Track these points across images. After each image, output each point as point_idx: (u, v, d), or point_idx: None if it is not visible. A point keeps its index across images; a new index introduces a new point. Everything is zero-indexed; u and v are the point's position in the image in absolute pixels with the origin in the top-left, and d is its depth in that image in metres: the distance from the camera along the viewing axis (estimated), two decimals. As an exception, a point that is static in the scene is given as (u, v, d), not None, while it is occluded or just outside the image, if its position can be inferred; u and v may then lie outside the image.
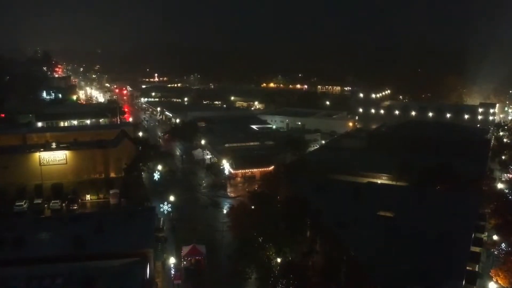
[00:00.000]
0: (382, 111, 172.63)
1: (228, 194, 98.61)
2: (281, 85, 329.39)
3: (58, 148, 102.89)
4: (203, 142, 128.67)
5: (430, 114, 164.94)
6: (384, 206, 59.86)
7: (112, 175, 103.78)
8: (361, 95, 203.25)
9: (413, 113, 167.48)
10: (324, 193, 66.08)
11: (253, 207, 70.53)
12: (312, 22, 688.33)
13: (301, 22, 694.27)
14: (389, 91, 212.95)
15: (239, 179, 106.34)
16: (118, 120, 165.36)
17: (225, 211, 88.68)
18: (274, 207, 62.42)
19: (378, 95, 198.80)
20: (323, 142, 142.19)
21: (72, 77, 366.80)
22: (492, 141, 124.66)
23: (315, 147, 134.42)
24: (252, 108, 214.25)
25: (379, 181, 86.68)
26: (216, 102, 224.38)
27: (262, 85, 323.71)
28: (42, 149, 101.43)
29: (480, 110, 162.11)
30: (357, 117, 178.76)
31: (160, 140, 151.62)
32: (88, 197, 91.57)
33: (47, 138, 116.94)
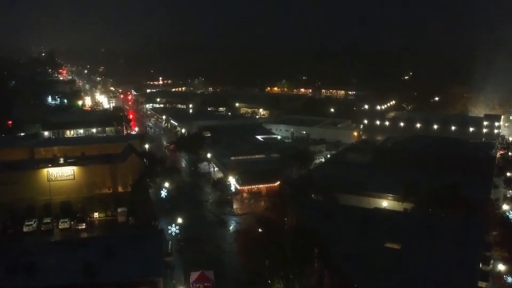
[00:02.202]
0: (387, 123, 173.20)
1: (235, 211, 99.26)
2: (285, 89, 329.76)
3: (66, 163, 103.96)
4: (209, 155, 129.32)
5: (435, 126, 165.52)
6: (391, 236, 60.47)
7: (120, 189, 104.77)
8: (366, 106, 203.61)
9: (418, 125, 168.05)
10: (331, 220, 66.61)
11: (260, 230, 71.69)
12: (315, 25, 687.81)
13: (303, 24, 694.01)
14: (394, 102, 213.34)
15: (245, 194, 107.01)
16: (124, 129, 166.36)
17: (231, 228, 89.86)
18: (282, 235, 62.96)
19: (383, 107, 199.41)
20: (328, 152, 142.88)
21: (76, 79, 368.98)
22: (497, 155, 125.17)
23: (320, 159, 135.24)
24: (257, 116, 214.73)
25: (385, 202, 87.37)
26: (221, 109, 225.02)
27: (266, 89, 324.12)
28: (50, 165, 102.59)
29: (485, 123, 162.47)
30: (361, 126, 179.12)
31: (166, 150, 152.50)
32: (96, 214, 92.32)
33: (54, 152, 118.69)
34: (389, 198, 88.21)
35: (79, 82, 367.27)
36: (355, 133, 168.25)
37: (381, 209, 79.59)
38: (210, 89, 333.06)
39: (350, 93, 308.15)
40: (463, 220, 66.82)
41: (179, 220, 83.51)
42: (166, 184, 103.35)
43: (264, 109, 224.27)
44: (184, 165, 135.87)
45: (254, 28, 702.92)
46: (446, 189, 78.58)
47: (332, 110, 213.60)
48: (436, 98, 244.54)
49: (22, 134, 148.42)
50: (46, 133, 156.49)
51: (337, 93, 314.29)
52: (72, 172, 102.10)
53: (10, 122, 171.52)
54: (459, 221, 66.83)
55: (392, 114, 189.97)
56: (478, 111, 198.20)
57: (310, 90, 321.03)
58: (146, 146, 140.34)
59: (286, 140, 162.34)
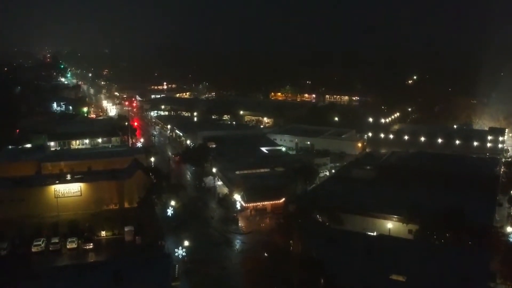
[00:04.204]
0: (391, 136, 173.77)
1: (240, 229, 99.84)
2: (289, 94, 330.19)
3: (73, 180, 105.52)
4: (214, 169, 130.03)
5: (439, 140, 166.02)
6: (396, 267, 61.13)
7: (126, 205, 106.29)
8: (371, 115, 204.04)
9: (422, 138, 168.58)
10: (336, 248, 67.23)
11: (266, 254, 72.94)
12: (318, 27, 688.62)
13: (307, 27, 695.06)
14: (398, 114, 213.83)
15: (250, 211, 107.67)
16: (130, 140, 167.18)
17: (237, 248, 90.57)
18: (287, 263, 63.75)
19: (387, 120, 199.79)
20: (332, 165, 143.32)
21: (81, 83, 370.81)
22: (502, 171, 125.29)
23: (325, 173, 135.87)
24: (262, 126, 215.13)
25: (390, 224, 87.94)
26: (225, 117, 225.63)
27: (270, 95, 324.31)
28: (57, 181, 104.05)
29: (490, 137, 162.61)
30: (365, 137, 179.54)
31: (171, 161, 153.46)
32: (103, 233, 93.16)
33: (61, 167, 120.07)
34: (394, 219, 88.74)
35: (83, 85, 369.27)
36: (359, 144, 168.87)
37: (386, 236, 79.98)
38: (213, 94, 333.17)
39: (354, 98, 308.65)
40: (468, 248, 67.42)
41: (186, 242, 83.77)
42: (172, 203, 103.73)
43: (268, 117, 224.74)
44: (189, 178, 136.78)
45: (257, 31, 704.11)
46: (450, 213, 79.03)
47: (336, 118, 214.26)
48: (441, 105, 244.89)
49: (29, 145, 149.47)
50: (52, 144, 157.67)
51: (341, 98, 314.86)
52: (79, 189, 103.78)
53: (18, 130, 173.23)
54: (464, 250, 67.43)
55: (396, 127, 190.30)
56: (483, 122, 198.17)
57: (314, 96, 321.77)
58: (152, 159, 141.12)
59: (290, 152, 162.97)
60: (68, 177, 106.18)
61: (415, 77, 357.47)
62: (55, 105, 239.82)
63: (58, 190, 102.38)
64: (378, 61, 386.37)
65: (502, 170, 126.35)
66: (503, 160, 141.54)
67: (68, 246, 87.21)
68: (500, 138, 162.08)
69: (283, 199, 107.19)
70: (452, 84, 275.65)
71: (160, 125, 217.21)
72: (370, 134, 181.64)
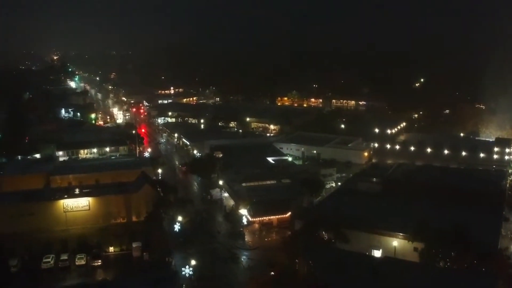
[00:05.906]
0: (397, 146, 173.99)
1: (247, 244, 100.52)
2: (296, 99, 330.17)
3: (82, 194, 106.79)
4: (220, 182, 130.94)
5: (446, 151, 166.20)
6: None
7: (134, 219, 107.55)
8: (377, 122, 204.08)
9: (429, 149, 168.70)
10: (341, 270, 67.77)
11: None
12: (321, 30, 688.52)
13: (311, 30, 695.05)
14: (404, 123, 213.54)
15: (256, 225, 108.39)
16: (137, 149, 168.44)
17: (244, 265, 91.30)
18: (294, 285, 64.52)
19: (393, 130, 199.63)
20: (339, 175, 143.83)
21: (88, 88, 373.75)
22: (508, 184, 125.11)
23: (331, 184, 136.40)
24: (268, 134, 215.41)
25: (395, 241, 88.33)
26: (232, 124, 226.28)
27: (277, 100, 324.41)
28: (66, 196, 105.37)
29: (496, 149, 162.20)
30: (372, 145, 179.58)
31: (178, 171, 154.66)
32: (111, 249, 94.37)
33: (70, 180, 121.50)
34: (400, 236, 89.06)
35: (91, 89, 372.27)
36: (366, 154, 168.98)
37: (391, 258, 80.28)
38: (217, 99, 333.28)
39: (361, 103, 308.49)
40: (473, 272, 67.87)
41: (193, 261, 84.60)
42: (180, 218, 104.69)
43: (275, 124, 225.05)
44: (196, 190, 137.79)
45: (259, 33, 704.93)
46: (455, 233, 79.24)
47: (342, 126, 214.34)
48: (447, 111, 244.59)
49: (37, 155, 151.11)
50: (60, 153, 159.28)
51: (347, 103, 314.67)
52: (88, 203, 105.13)
53: (27, 138, 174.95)
54: (469, 274, 67.90)
55: (402, 137, 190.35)
56: (489, 131, 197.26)
57: (321, 100, 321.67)
58: (159, 170, 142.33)
59: (297, 162, 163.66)
60: (77, 191, 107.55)
61: (422, 80, 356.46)
62: (63, 111, 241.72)
63: (67, 204, 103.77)
64: (383, 63, 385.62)
65: (508, 183, 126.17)
66: (510, 172, 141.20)
67: (77, 263, 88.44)
68: (507, 150, 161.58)
69: (289, 213, 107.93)
70: (460, 87, 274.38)
71: (167, 132, 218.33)
72: (377, 139, 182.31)
